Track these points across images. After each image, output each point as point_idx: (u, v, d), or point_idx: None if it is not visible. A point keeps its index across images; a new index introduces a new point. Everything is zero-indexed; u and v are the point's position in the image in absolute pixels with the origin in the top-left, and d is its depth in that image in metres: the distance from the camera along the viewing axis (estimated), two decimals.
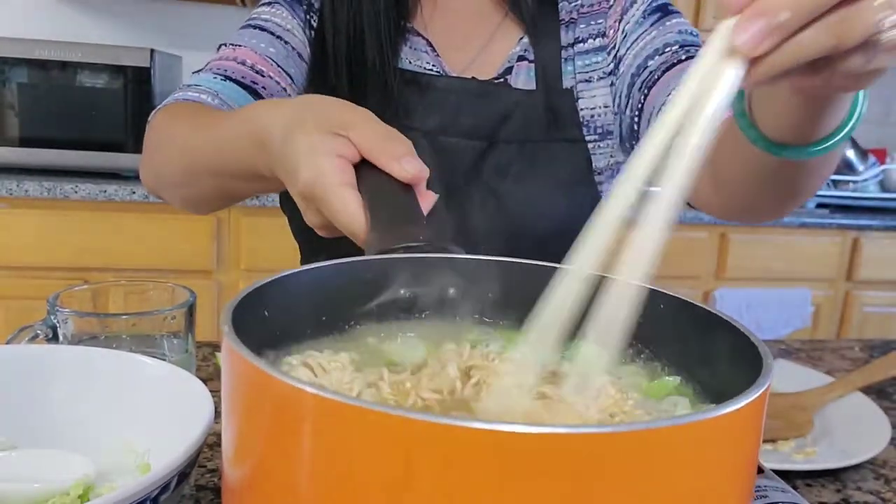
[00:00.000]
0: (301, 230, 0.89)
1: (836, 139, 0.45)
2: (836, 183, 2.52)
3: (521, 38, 0.83)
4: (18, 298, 1.89)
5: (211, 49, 0.84)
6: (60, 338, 0.54)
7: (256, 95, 0.75)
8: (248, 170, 0.58)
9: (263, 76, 0.76)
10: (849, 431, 0.64)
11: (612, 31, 0.81)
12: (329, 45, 0.79)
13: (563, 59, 0.82)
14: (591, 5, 0.83)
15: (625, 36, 0.80)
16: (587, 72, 0.82)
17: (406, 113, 0.79)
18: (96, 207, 1.89)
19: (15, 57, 1.88)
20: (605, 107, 0.81)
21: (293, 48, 0.79)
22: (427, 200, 0.51)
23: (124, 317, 0.56)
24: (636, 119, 0.78)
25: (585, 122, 0.82)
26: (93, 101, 1.92)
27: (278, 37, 0.79)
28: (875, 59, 0.34)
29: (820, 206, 2.51)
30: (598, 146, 0.82)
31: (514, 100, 0.80)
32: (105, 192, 1.87)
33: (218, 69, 0.76)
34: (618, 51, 0.80)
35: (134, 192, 1.89)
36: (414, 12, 0.84)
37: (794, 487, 0.54)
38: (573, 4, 0.84)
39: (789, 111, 0.44)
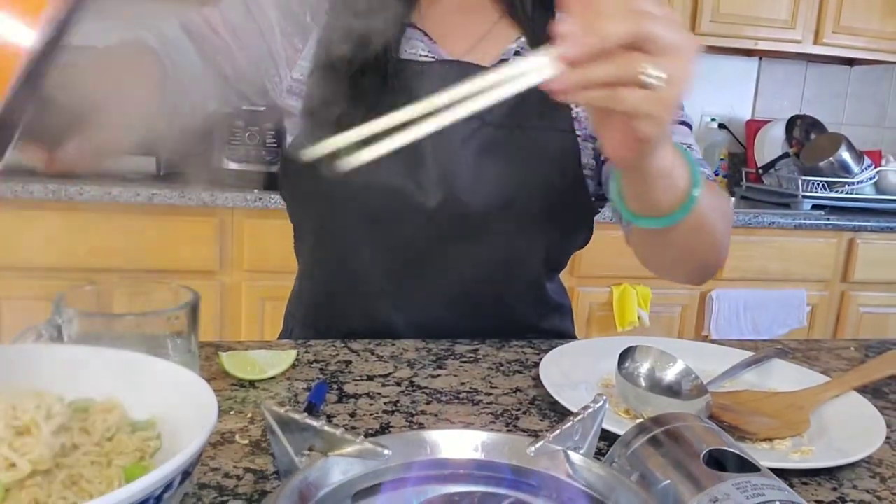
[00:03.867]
0: (294, 213, 0.91)
1: (670, 217, 0.62)
2: (831, 185, 2.53)
3: (519, 38, 0.84)
4: (24, 299, 1.89)
5: None
6: (65, 338, 0.54)
7: (201, 49, 0.82)
8: None
9: (216, 35, 0.83)
10: (845, 430, 0.65)
11: None
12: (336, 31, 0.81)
13: None
14: None
15: None
16: None
17: (402, 95, 0.80)
18: (101, 209, 1.89)
19: None
20: None
21: (259, 25, 0.84)
22: None
23: (128, 317, 0.56)
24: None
25: (577, 117, 0.83)
26: None
27: (249, 10, 0.84)
28: (645, 101, 0.48)
29: (816, 207, 2.52)
30: (586, 144, 0.84)
31: None
32: (110, 193, 1.88)
33: (186, 21, 0.84)
34: None
35: (138, 195, 1.89)
36: (413, 7, 0.85)
37: (791, 486, 0.54)
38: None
39: (629, 188, 0.63)
